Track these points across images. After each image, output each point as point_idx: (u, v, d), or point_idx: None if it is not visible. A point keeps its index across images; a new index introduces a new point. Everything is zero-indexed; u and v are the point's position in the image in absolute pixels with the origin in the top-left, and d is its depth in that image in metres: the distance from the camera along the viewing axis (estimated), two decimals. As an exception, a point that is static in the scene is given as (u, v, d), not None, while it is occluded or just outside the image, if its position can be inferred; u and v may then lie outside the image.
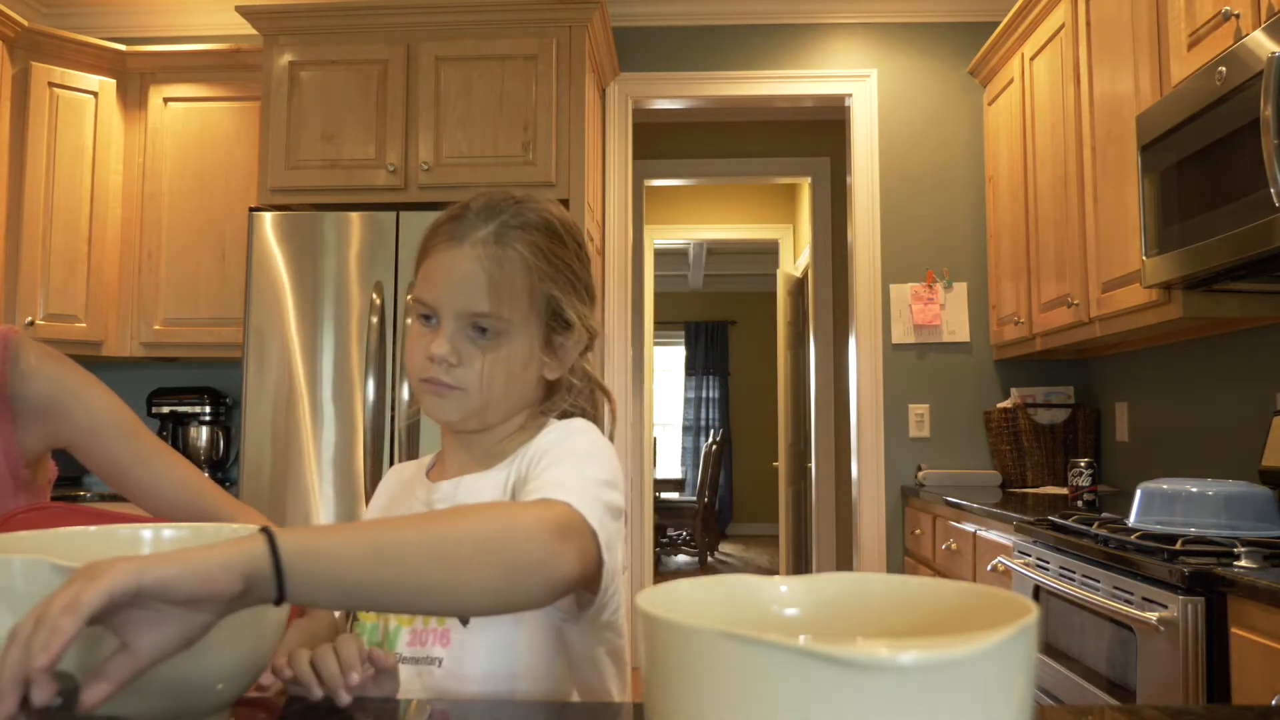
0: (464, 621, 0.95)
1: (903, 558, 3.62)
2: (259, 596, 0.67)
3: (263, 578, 0.67)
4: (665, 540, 8.13)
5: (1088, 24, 2.71)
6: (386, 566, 0.72)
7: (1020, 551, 2.20)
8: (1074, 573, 1.88)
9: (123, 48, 3.49)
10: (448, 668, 0.94)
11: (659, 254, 7.50)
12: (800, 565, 5.51)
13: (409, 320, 1.05)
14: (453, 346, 0.97)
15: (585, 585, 0.89)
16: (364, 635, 1.00)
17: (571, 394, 1.07)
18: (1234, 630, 1.46)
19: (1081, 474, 2.67)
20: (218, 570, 0.64)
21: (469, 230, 0.99)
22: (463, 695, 0.92)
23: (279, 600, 0.68)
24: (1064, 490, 3.18)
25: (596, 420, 1.09)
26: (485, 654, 0.94)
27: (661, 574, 7.20)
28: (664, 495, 7.77)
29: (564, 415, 1.07)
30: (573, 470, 0.90)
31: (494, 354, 0.98)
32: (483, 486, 1.01)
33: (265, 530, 0.68)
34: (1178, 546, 1.60)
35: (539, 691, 0.95)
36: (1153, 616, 1.55)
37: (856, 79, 3.77)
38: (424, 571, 0.73)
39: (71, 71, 3.39)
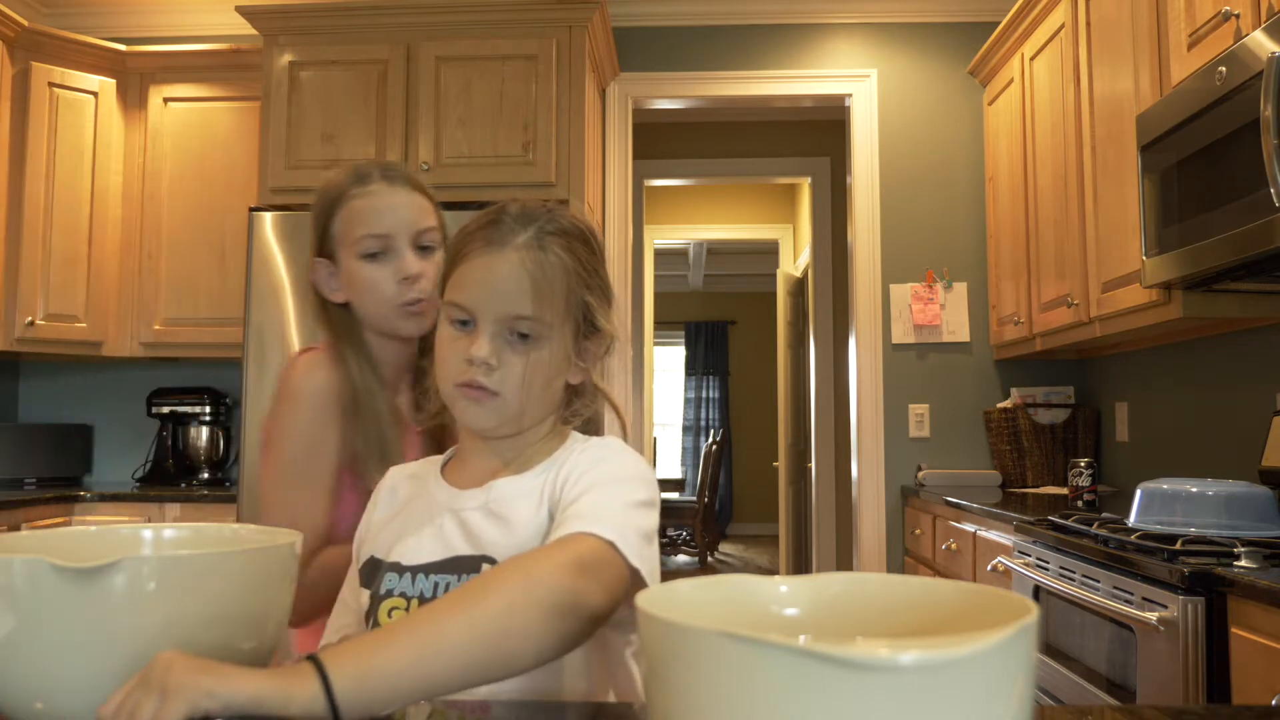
0: None
1: (903, 558, 3.62)
2: None
3: (317, 715, 0.71)
4: (665, 540, 8.13)
5: (1088, 24, 2.71)
6: (433, 666, 0.76)
7: (1020, 551, 2.20)
8: (1074, 573, 1.88)
9: (123, 48, 3.49)
10: None
11: (659, 254, 7.49)
12: (800, 565, 5.51)
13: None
14: (493, 348, 0.97)
15: (619, 607, 0.91)
16: None
17: (587, 397, 1.08)
18: (1234, 630, 1.47)
19: (1081, 474, 2.67)
20: (277, 708, 0.69)
21: (509, 235, 0.99)
22: (503, 691, 0.90)
23: None
24: (1064, 490, 3.18)
25: (602, 425, 1.11)
26: None
27: (662, 574, 7.20)
28: (664, 495, 7.75)
29: (584, 421, 1.08)
30: (609, 495, 0.93)
31: (534, 356, 0.98)
32: (516, 491, 1.01)
33: (315, 663, 0.72)
34: (1178, 546, 1.60)
35: (580, 690, 0.95)
36: (1153, 616, 1.55)
37: (856, 79, 3.76)
38: (470, 655, 0.78)
39: (71, 71, 3.39)
